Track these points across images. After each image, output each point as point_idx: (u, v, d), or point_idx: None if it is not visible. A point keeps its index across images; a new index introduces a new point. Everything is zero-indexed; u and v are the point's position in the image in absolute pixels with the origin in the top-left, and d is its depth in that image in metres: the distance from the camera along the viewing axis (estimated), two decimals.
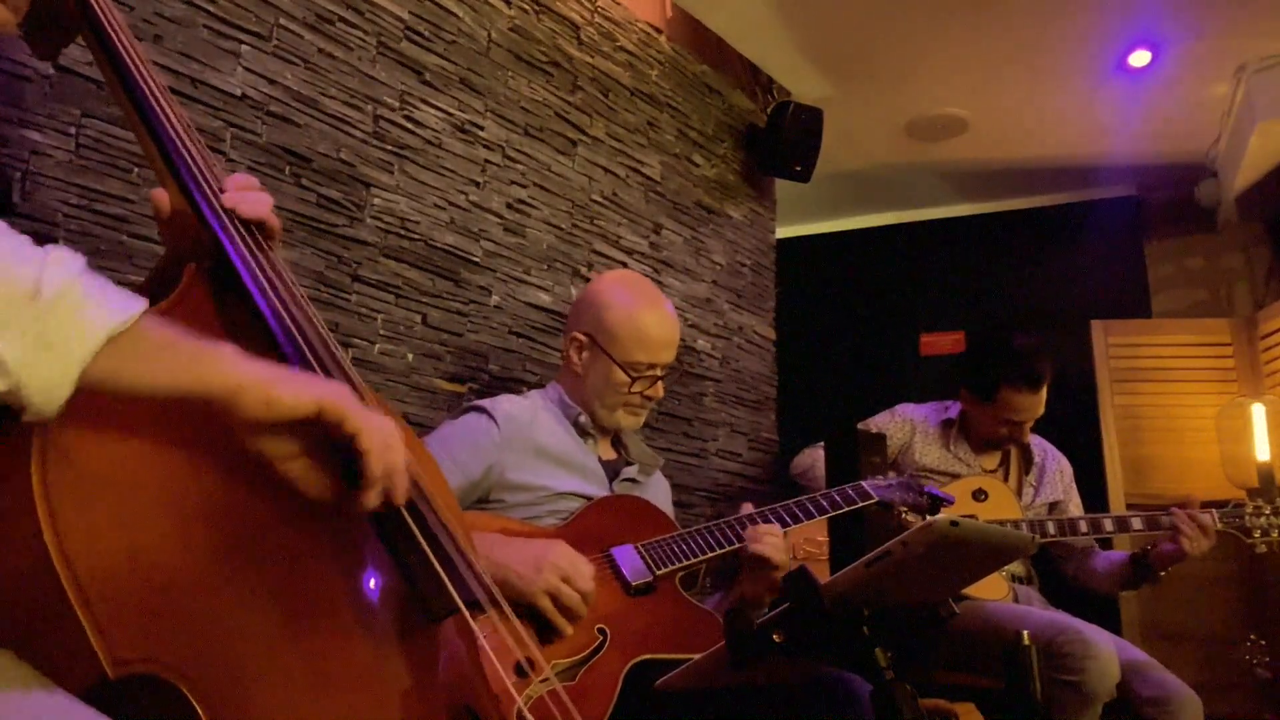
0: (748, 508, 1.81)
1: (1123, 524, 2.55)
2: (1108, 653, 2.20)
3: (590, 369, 1.86)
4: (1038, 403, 2.63)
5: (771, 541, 1.71)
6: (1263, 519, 2.52)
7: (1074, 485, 2.80)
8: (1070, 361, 3.83)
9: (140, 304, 0.73)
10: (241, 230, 0.98)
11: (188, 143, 1.02)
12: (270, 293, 0.94)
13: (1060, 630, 2.23)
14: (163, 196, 1.04)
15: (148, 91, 1.03)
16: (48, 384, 0.67)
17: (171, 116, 1.03)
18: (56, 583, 0.68)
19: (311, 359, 0.91)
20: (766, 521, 1.76)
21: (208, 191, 0.99)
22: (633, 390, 1.84)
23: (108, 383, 0.71)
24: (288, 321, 0.93)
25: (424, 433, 1.85)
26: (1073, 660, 2.17)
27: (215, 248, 0.96)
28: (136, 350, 0.72)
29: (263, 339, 0.91)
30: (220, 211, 0.98)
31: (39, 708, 0.68)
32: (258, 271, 0.95)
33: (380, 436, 0.81)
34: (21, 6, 0.99)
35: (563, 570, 1.50)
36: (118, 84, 1.04)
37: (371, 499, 0.81)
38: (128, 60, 1.03)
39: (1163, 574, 2.48)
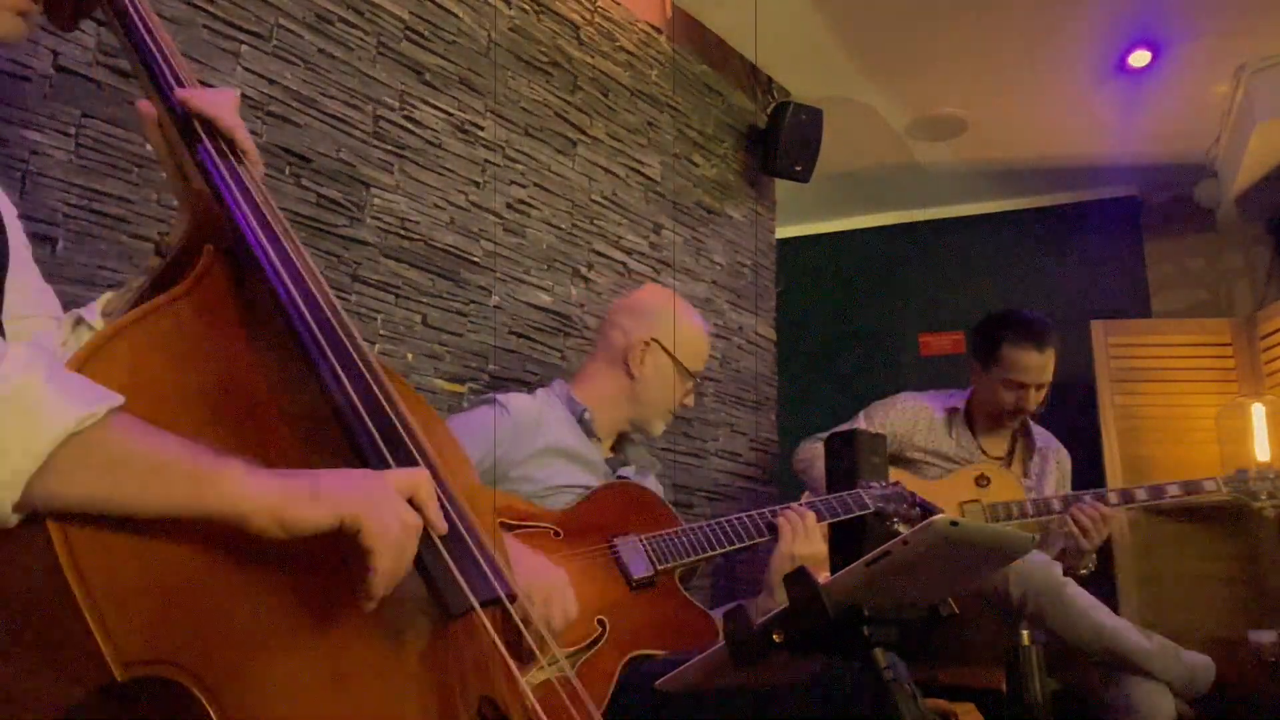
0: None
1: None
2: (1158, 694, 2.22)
3: (654, 374, 1.93)
4: (1042, 364, 2.59)
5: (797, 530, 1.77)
6: (1267, 483, 2.53)
7: (1069, 477, 2.79)
8: (1070, 361, 3.83)
9: (111, 400, 0.68)
10: (260, 208, 0.96)
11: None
12: (290, 281, 0.92)
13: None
14: (148, 107, 1.02)
15: (163, 64, 1.02)
16: None
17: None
18: (64, 585, 0.67)
19: (330, 351, 0.89)
20: (760, 533, 1.79)
21: (225, 171, 0.97)
22: (684, 397, 1.96)
23: (87, 502, 0.65)
24: (307, 314, 0.90)
25: None
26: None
27: (234, 229, 0.94)
28: (112, 459, 0.66)
29: (282, 325, 0.90)
30: (238, 194, 0.96)
31: None
32: (276, 259, 0.93)
33: (397, 551, 0.77)
34: (33, 13, 0.98)
35: (548, 599, 1.38)
36: (134, 54, 1.03)
37: (369, 607, 0.78)
38: (143, 31, 1.03)
39: (1085, 570, 2.48)
